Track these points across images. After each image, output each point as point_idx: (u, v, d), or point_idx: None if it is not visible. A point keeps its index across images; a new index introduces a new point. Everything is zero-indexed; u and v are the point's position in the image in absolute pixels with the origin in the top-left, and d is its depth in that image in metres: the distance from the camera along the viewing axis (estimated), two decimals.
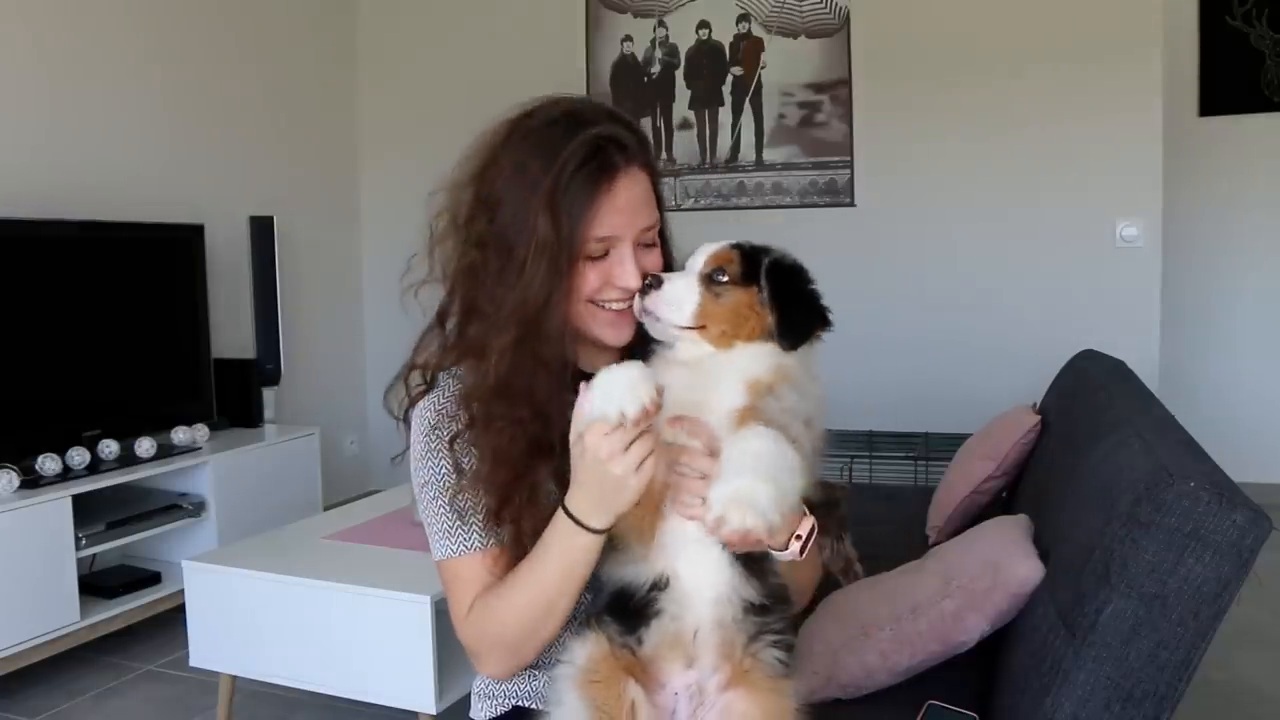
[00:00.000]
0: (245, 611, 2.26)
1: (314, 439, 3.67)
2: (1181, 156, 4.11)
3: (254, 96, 4.01)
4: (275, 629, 2.23)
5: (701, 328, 1.08)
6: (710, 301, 1.08)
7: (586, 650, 1.05)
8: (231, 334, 3.79)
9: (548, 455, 1.10)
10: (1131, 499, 1.17)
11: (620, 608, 1.06)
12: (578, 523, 1.04)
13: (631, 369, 0.98)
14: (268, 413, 3.75)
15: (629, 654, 1.05)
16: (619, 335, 1.15)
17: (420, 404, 1.19)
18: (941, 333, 3.84)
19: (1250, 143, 4.26)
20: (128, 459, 3.06)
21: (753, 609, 1.05)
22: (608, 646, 1.05)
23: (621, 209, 1.10)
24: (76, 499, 2.77)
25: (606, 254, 1.12)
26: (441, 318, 1.18)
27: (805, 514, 1.07)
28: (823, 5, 3.92)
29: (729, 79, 4.09)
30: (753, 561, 1.05)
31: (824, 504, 1.16)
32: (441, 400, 1.17)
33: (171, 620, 2.94)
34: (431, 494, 1.16)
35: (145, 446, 3.10)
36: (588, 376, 1.22)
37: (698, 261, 1.11)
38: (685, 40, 4.13)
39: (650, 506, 1.05)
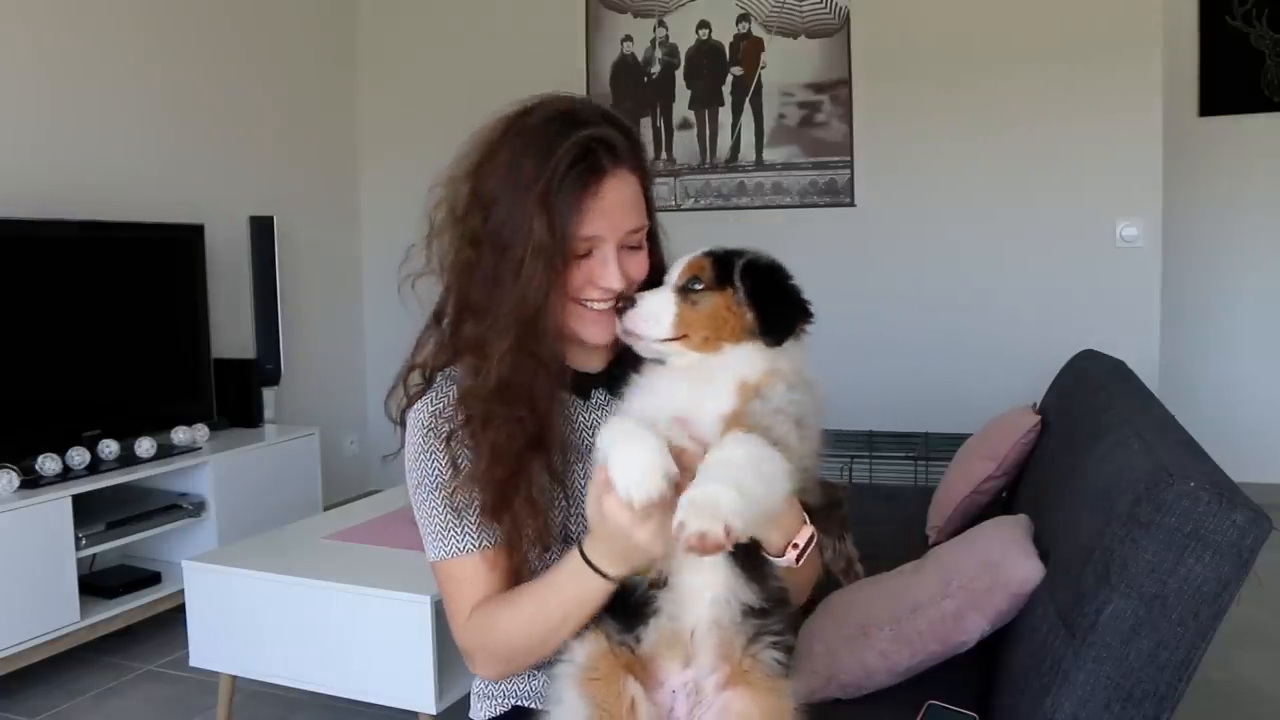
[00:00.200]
0: (245, 611, 2.26)
1: (314, 439, 3.67)
2: (1181, 156, 4.11)
3: (254, 97, 4.01)
4: (275, 629, 2.23)
5: (683, 337, 1.08)
6: (688, 310, 1.09)
7: (586, 648, 1.06)
8: (231, 334, 3.79)
9: (542, 451, 1.12)
10: (1131, 499, 1.17)
11: (619, 606, 1.07)
12: (595, 569, 1.04)
13: (647, 448, 0.96)
14: (268, 413, 3.75)
15: (628, 652, 1.05)
16: (602, 334, 1.16)
17: (416, 405, 1.19)
18: (941, 333, 3.84)
19: (1250, 143, 4.26)
20: (128, 459, 3.06)
21: (752, 611, 1.05)
22: (606, 644, 1.05)
23: (607, 210, 1.11)
24: (76, 499, 2.77)
25: (590, 253, 1.13)
26: (438, 315, 1.19)
27: (805, 523, 1.07)
28: (823, 5, 3.92)
29: (729, 79, 4.09)
30: (752, 565, 1.05)
31: (825, 504, 1.16)
32: (436, 401, 1.18)
33: (171, 620, 2.94)
34: (426, 493, 1.17)
35: (145, 446, 3.10)
36: (583, 378, 1.23)
37: (673, 274, 1.13)
38: (685, 40, 4.13)
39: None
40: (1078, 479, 1.55)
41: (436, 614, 2.03)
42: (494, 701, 1.25)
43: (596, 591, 1.05)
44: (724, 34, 4.07)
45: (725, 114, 4.10)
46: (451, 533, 1.15)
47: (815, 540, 1.07)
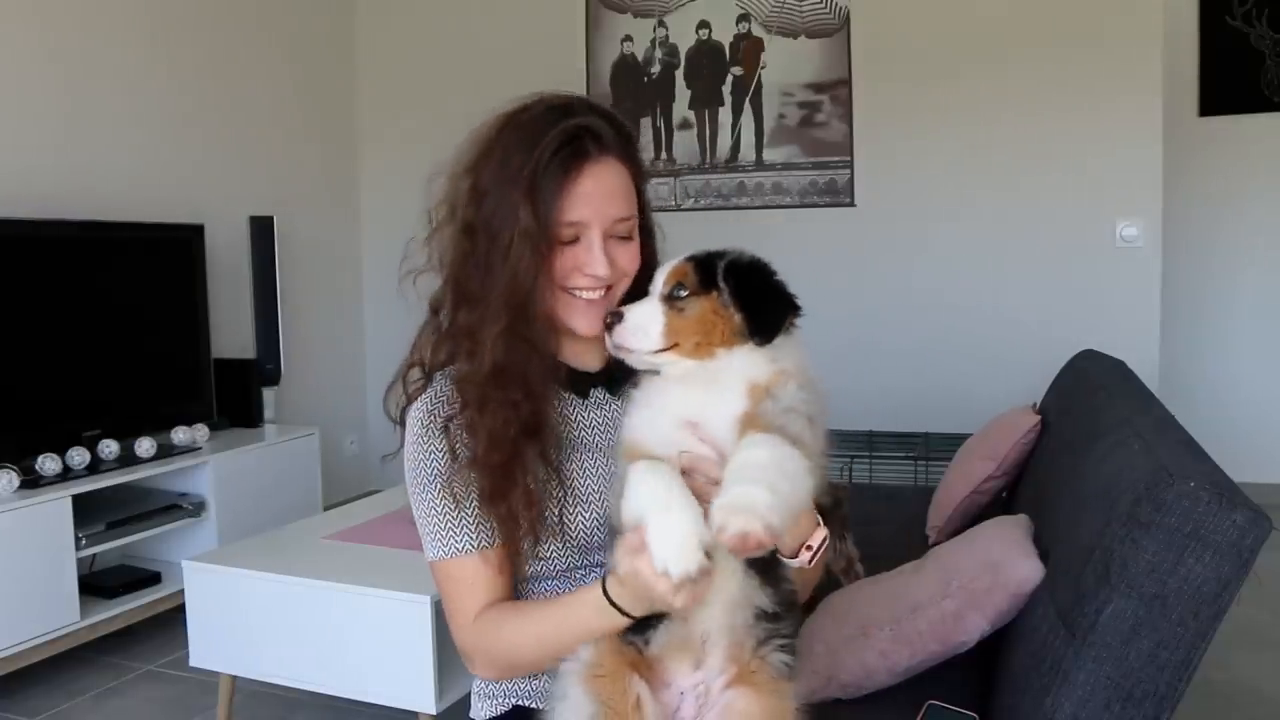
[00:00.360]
0: (245, 611, 2.26)
1: (314, 439, 3.67)
2: (1181, 156, 4.11)
3: (254, 97, 4.01)
4: (275, 629, 2.23)
5: (674, 346, 1.08)
6: (675, 318, 1.08)
7: (592, 645, 1.06)
8: (231, 334, 3.79)
9: (535, 437, 1.12)
10: (1131, 499, 1.17)
11: None
12: (617, 608, 1.04)
13: (686, 517, 0.95)
14: (268, 413, 3.75)
15: (635, 651, 1.05)
16: (591, 326, 1.16)
17: (417, 405, 1.19)
18: (941, 333, 3.84)
19: (1250, 143, 4.26)
20: (128, 459, 3.05)
21: (764, 616, 1.05)
22: (613, 642, 1.05)
23: (591, 195, 1.12)
24: (76, 499, 2.77)
25: (576, 240, 1.14)
26: (436, 308, 1.20)
27: (819, 525, 1.07)
28: (823, 5, 3.92)
29: (729, 79, 4.09)
30: (766, 569, 1.05)
31: (827, 505, 1.16)
32: (435, 400, 1.18)
33: (171, 620, 2.94)
34: (424, 488, 1.16)
35: (145, 446, 3.10)
36: (581, 376, 1.22)
37: (657, 284, 1.12)
38: (685, 40, 4.13)
39: None
40: (1078, 479, 1.55)
41: (436, 614, 2.03)
42: (494, 701, 1.25)
43: (615, 624, 1.06)
44: (724, 34, 4.07)
45: (725, 114, 4.10)
46: (450, 531, 1.15)
47: (827, 541, 1.07)
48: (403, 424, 1.21)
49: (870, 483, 3.45)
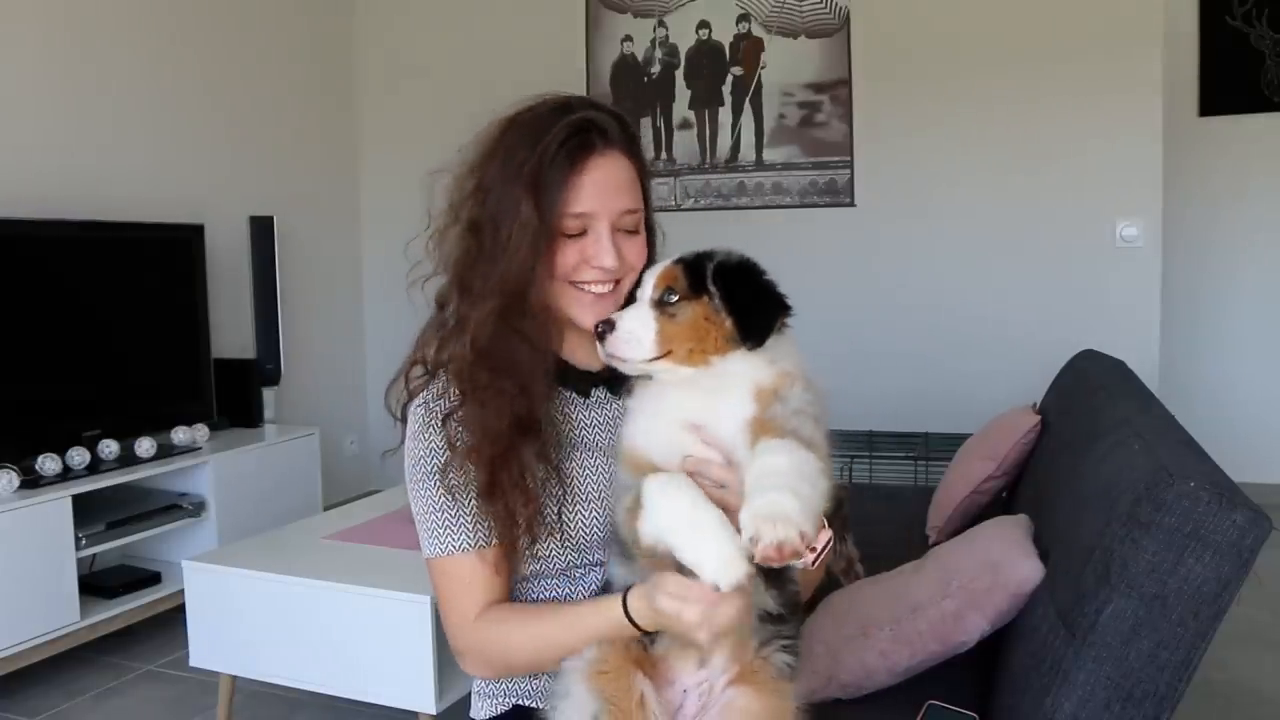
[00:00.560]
0: (245, 611, 2.26)
1: (314, 439, 3.67)
2: (1181, 156, 4.11)
3: (254, 97, 4.01)
4: (275, 629, 2.23)
5: (668, 353, 1.06)
6: (668, 324, 1.07)
7: (595, 644, 1.06)
8: (231, 334, 3.79)
9: (532, 435, 1.12)
10: (1131, 499, 1.17)
11: None
12: (632, 621, 1.04)
13: (723, 537, 0.95)
14: (268, 413, 3.75)
15: (639, 649, 1.06)
16: (598, 318, 1.16)
17: (418, 402, 1.19)
18: (941, 333, 3.84)
19: (1250, 143, 4.26)
20: (128, 459, 3.05)
21: (769, 617, 1.06)
22: (618, 641, 1.05)
23: (597, 187, 1.12)
24: (76, 499, 2.77)
25: (584, 233, 1.13)
26: (441, 305, 1.20)
27: (824, 526, 1.07)
28: (823, 5, 3.92)
29: (729, 79, 4.09)
30: (771, 571, 1.04)
31: (828, 506, 1.16)
32: (436, 397, 1.18)
33: (171, 620, 2.94)
34: (422, 482, 1.16)
35: (145, 446, 3.10)
36: (582, 375, 1.22)
37: (646, 289, 1.11)
38: (685, 40, 4.13)
39: None
40: (1078, 479, 1.55)
41: (436, 614, 2.03)
42: (495, 700, 1.25)
43: (627, 636, 1.06)
44: (724, 34, 4.07)
45: (725, 114, 4.10)
46: (448, 528, 1.15)
47: (832, 542, 1.08)
48: (404, 421, 1.21)
49: (870, 483, 3.45)
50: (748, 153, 4.08)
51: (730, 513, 1.01)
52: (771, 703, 1.04)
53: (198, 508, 3.19)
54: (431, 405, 1.17)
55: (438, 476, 1.15)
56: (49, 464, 2.83)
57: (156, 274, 3.33)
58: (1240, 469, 1.68)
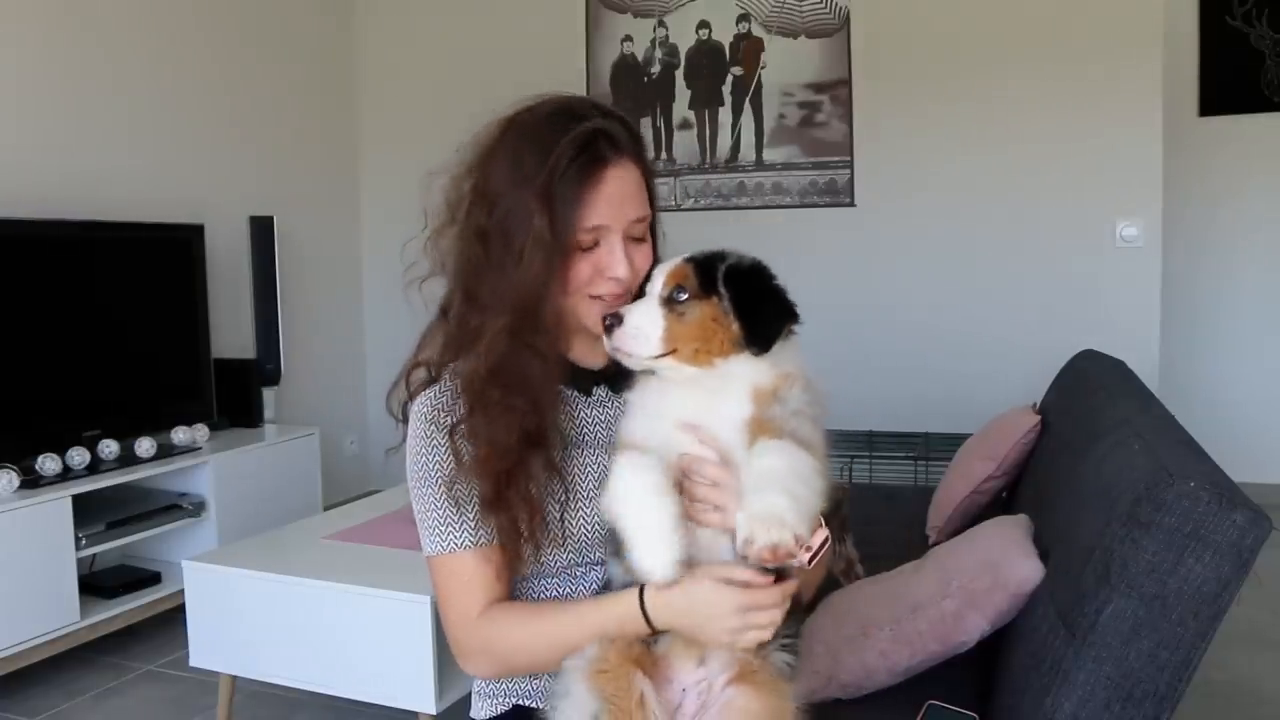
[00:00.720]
0: (245, 611, 2.26)
1: (314, 439, 3.67)
2: (1181, 156, 4.11)
3: (254, 97, 4.01)
4: (275, 629, 2.23)
5: (673, 351, 1.06)
6: (675, 323, 1.07)
7: (596, 642, 1.06)
8: (231, 334, 3.79)
9: (540, 446, 1.12)
10: (1131, 499, 1.17)
11: None
12: (645, 616, 1.05)
13: (665, 534, 0.97)
14: (268, 413, 3.75)
15: (640, 648, 1.06)
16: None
17: (420, 400, 1.19)
18: (941, 333, 3.84)
19: (1250, 143, 4.26)
20: (128, 459, 3.05)
21: None
22: (619, 640, 1.06)
23: (610, 199, 1.11)
24: (76, 499, 2.77)
25: (596, 245, 1.13)
26: (445, 312, 1.19)
27: (820, 525, 1.07)
28: (823, 5, 3.92)
29: (729, 79, 4.09)
30: (770, 568, 1.05)
31: (827, 506, 1.16)
32: (439, 395, 1.18)
33: (171, 620, 2.94)
34: (425, 485, 1.16)
35: (145, 446, 3.10)
36: (584, 374, 1.22)
37: (656, 284, 1.11)
38: (685, 40, 4.13)
39: None
40: (1078, 479, 1.55)
41: (436, 614, 2.02)
42: (495, 700, 1.25)
43: (637, 633, 1.06)
44: (724, 34, 4.07)
45: (725, 114, 4.10)
46: (450, 526, 1.15)
47: (828, 542, 1.08)
48: (406, 420, 1.21)
49: (870, 483, 3.45)
50: (748, 153, 4.08)
51: (723, 512, 1.03)
52: (771, 702, 1.04)
53: (198, 508, 3.19)
54: (435, 404, 1.17)
55: (443, 482, 1.15)
56: (49, 464, 2.83)
57: (156, 274, 3.33)
58: (1240, 469, 1.68)
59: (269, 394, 3.78)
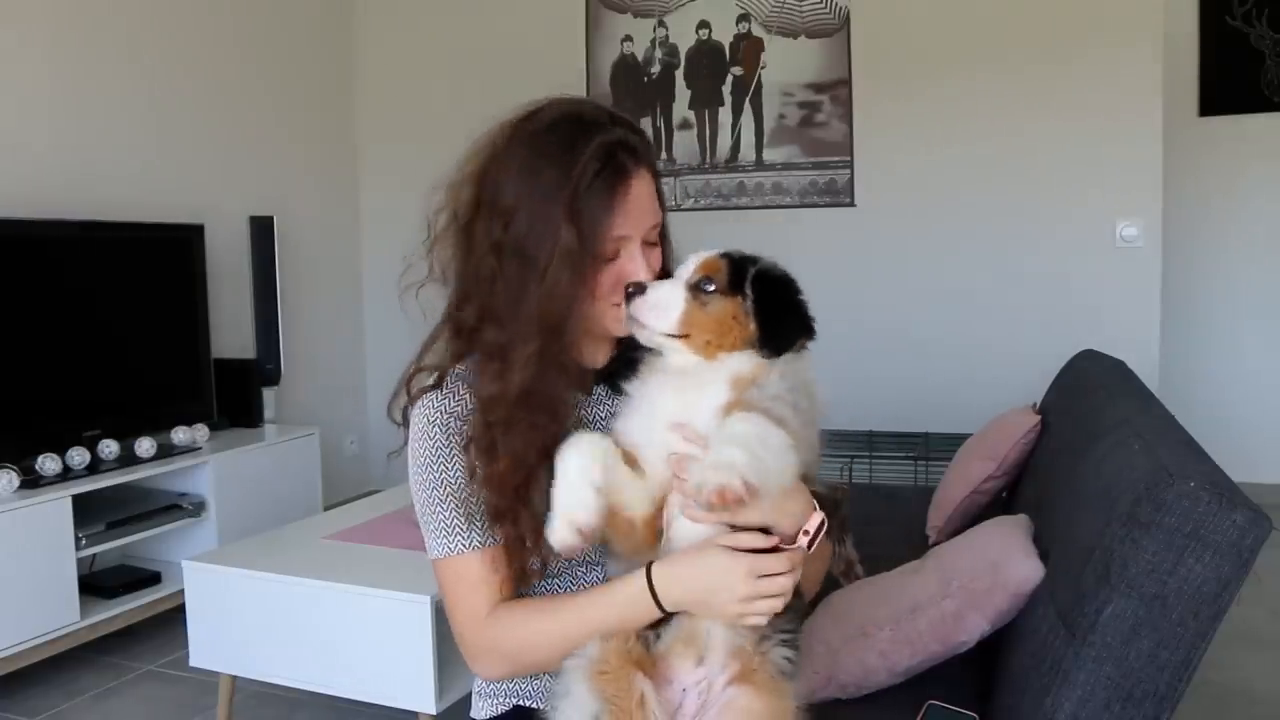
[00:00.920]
0: (245, 611, 2.26)
1: (314, 439, 3.67)
2: (1181, 156, 4.11)
3: (254, 96, 4.01)
4: (275, 629, 2.23)
5: (686, 336, 1.08)
6: (696, 310, 1.08)
7: (596, 642, 1.06)
8: (231, 334, 3.79)
9: (550, 456, 1.11)
10: (1131, 499, 1.17)
11: None
12: (654, 595, 1.05)
13: (571, 500, 1.02)
14: (268, 413, 3.75)
15: (641, 648, 1.06)
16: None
17: (425, 402, 1.18)
18: (941, 333, 3.84)
19: (1250, 143, 4.26)
20: (128, 459, 3.06)
21: None
22: (618, 640, 1.06)
23: (632, 209, 1.12)
24: (76, 499, 2.77)
25: (617, 255, 1.14)
26: (454, 325, 1.17)
27: (815, 509, 1.07)
28: (823, 5, 3.92)
29: (729, 79, 4.09)
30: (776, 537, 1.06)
31: (824, 506, 1.16)
32: (455, 402, 1.17)
33: (171, 620, 2.94)
34: (433, 491, 1.16)
35: (145, 446, 3.10)
36: (583, 371, 1.22)
37: (686, 269, 1.12)
38: (685, 40, 4.13)
39: (653, 533, 1.08)
40: (1078, 479, 1.55)
41: (436, 614, 2.03)
42: (495, 701, 1.25)
43: (644, 617, 1.07)
44: (724, 34, 4.07)
45: (725, 114, 4.10)
46: (456, 528, 1.15)
47: (826, 526, 1.08)
48: (406, 424, 1.20)
49: (870, 483, 3.45)
50: (748, 153, 4.08)
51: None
52: (772, 702, 1.04)
53: (198, 508, 3.19)
54: (444, 410, 1.16)
55: (452, 497, 1.14)
56: (49, 464, 2.83)
57: (156, 274, 3.33)
58: (1240, 469, 1.68)
59: (269, 394, 3.78)
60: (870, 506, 2.65)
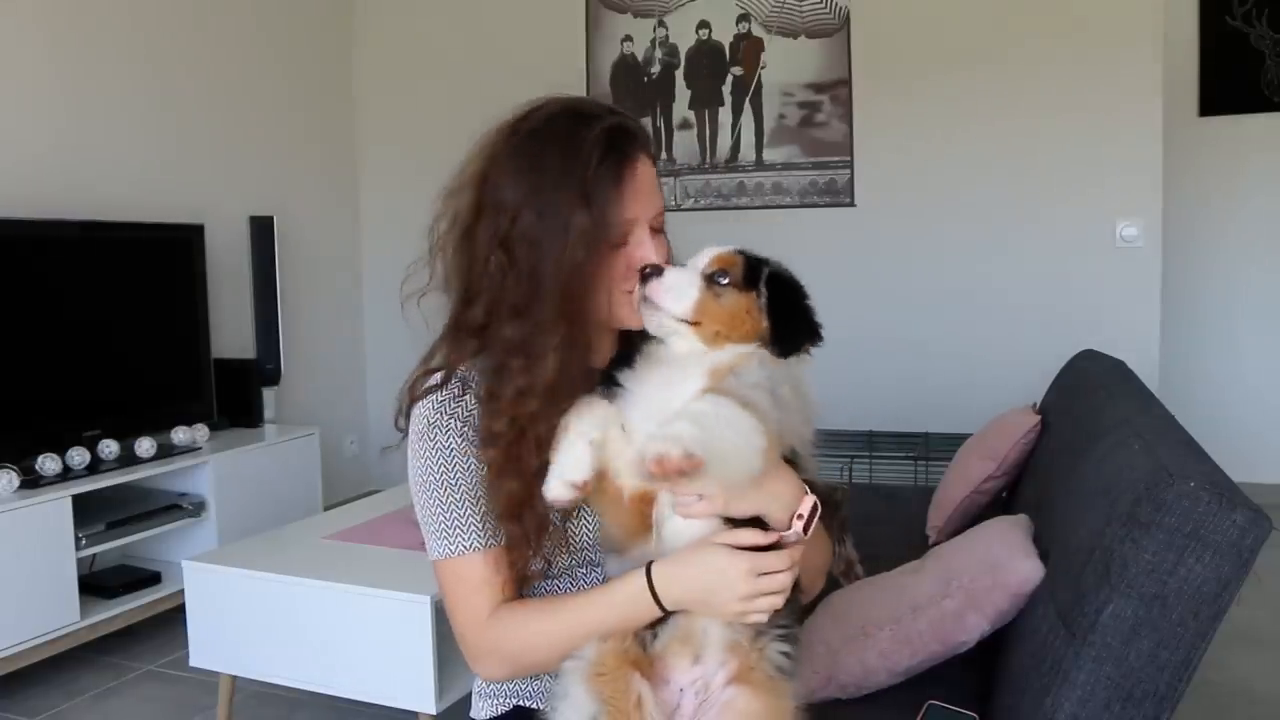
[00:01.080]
0: (245, 611, 2.26)
1: (314, 439, 3.67)
2: (1181, 156, 4.11)
3: (254, 97, 4.01)
4: (275, 629, 2.23)
5: (697, 324, 1.09)
6: (710, 299, 1.09)
7: (594, 644, 1.06)
8: (231, 334, 3.79)
9: None
10: (1131, 499, 1.17)
11: None
12: (654, 594, 1.05)
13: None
14: (268, 413, 3.75)
15: (638, 649, 1.06)
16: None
17: (427, 403, 1.17)
18: (941, 333, 3.84)
19: (1250, 143, 4.26)
20: (128, 459, 3.06)
21: None
22: (615, 642, 1.06)
23: (641, 193, 1.13)
24: (76, 499, 2.77)
25: (626, 241, 1.13)
26: (459, 327, 1.16)
27: (806, 492, 1.07)
28: (823, 5, 3.92)
29: (729, 79, 4.09)
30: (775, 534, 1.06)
31: (825, 505, 1.16)
32: (446, 401, 1.16)
33: (171, 620, 2.94)
34: (432, 489, 1.15)
35: (145, 446, 3.10)
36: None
37: (701, 260, 1.13)
38: (685, 40, 4.13)
39: (641, 516, 1.08)
40: (1078, 479, 1.55)
41: (436, 614, 2.03)
42: (495, 701, 1.25)
43: (644, 616, 1.06)
44: (724, 34, 4.07)
45: (725, 114, 4.10)
46: (457, 529, 1.14)
47: (819, 510, 1.07)
48: (407, 420, 1.20)
49: (870, 483, 3.45)
50: (748, 153, 4.08)
51: (708, 500, 1.04)
52: (770, 702, 1.04)
53: (198, 508, 3.19)
54: (446, 409, 1.15)
55: (447, 481, 1.14)
56: (49, 464, 2.83)
57: (156, 274, 3.33)
58: (1240, 469, 1.68)
59: (269, 394, 3.78)
60: (870, 506, 2.65)
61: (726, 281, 1.10)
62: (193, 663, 2.33)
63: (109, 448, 3.05)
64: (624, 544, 1.10)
